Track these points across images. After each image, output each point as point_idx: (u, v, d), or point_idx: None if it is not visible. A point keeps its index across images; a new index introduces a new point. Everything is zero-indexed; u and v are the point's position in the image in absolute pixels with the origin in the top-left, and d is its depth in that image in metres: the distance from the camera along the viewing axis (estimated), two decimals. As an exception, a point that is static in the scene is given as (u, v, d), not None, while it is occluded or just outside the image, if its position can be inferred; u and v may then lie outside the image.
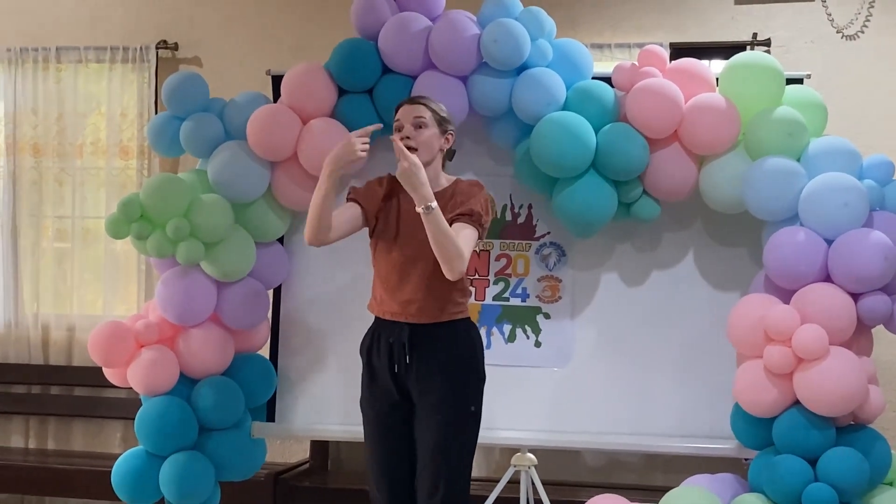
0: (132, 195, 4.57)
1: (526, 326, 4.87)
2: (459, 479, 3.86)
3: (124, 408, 5.96)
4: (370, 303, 4.00)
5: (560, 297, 4.85)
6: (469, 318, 3.97)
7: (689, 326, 4.75)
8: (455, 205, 3.84)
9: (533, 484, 4.77)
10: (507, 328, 4.87)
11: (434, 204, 3.64)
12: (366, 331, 4.00)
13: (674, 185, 4.53)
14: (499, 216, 4.88)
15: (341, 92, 4.69)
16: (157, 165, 6.21)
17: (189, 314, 4.67)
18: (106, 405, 6.24)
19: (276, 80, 4.86)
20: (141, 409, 4.68)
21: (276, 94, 4.85)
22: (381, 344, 3.91)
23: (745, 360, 4.24)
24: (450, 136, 3.94)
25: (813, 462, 4.06)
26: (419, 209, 3.65)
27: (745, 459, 4.52)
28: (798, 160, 4.35)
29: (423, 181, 3.66)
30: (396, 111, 3.93)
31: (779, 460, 4.09)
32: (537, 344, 4.85)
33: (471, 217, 3.80)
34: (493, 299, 4.87)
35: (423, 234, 3.71)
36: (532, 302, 4.86)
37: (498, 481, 4.82)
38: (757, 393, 4.14)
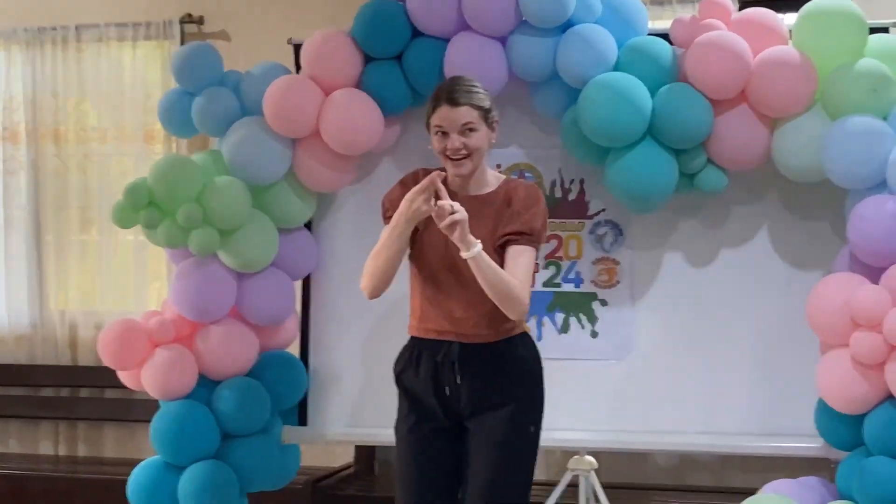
0: (139, 180, 4.42)
1: (581, 315, 4.68)
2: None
3: (157, 411, 5.82)
4: (410, 323, 3.75)
5: (618, 282, 4.66)
6: (527, 332, 3.75)
7: (764, 311, 4.56)
8: (511, 217, 3.59)
9: (594, 490, 4.59)
10: (559, 317, 4.69)
11: (479, 247, 3.43)
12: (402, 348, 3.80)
13: (742, 151, 4.32)
14: (547, 193, 4.68)
15: (367, 59, 4.53)
16: (184, 149, 6.10)
17: (206, 309, 4.54)
18: (139, 408, 6.08)
19: (298, 49, 4.70)
20: (156, 414, 4.57)
21: (298, 64, 4.69)
22: (421, 364, 3.66)
23: (830, 348, 4.05)
24: (495, 125, 3.67)
25: (910, 464, 3.88)
26: (465, 255, 3.43)
27: (834, 461, 4.31)
28: (885, 119, 4.12)
29: (467, 229, 3.42)
30: (432, 108, 3.59)
31: (871, 463, 3.90)
32: (594, 334, 4.67)
33: (530, 237, 3.59)
34: (544, 286, 4.68)
35: (479, 239, 3.51)
36: (587, 287, 4.68)
37: (555, 485, 4.65)
38: (844, 386, 3.95)
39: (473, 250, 3.41)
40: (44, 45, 6.33)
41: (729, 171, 4.39)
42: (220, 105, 4.54)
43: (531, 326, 4.56)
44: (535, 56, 4.35)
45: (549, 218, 4.49)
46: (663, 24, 4.59)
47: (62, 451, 6.42)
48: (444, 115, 3.56)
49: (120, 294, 6.38)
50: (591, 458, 4.60)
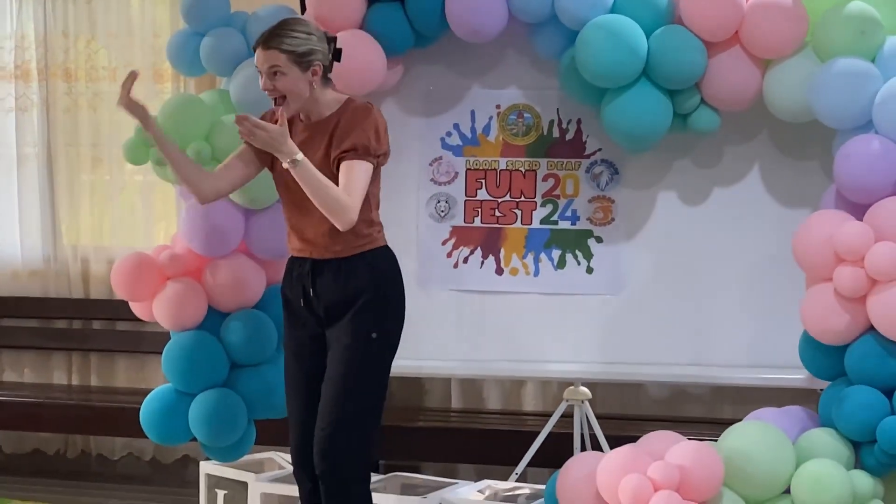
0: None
1: (577, 251, 4.73)
2: (356, 414, 3.77)
3: (167, 342, 5.88)
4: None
5: (613, 219, 4.70)
6: (383, 246, 3.85)
7: (755, 248, 4.60)
8: (341, 135, 3.70)
9: (587, 419, 4.70)
10: (556, 254, 4.73)
11: (300, 157, 3.56)
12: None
13: (735, 92, 4.32)
14: (545, 133, 4.73)
15: (370, 1, 4.52)
16: (193, 89, 6.08)
17: (215, 244, 4.55)
18: (149, 340, 6.16)
19: (306, -9, 4.72)
20: (168, 344, 4.60)
21: (303, 6, 4.69)
22: (292, 279, 3.90)
23: (814, 283, 4.05)
24: (317, 67, 3.72)
25: (889, 393, 3.87)
26: (285, 165, 3.57)
27: (821, 390, 4.33)
28: (872, 61, 4.12)
29: (276, 134, 3.55)
30: (253, 50, 3.77)
31: (851, 392, 3.91)
32: (589, 270, 4.72)
33: (357, 152, 3.66)
34: (541, 223, 4.73)
35: (315, 161, 3.66)
36: (583, 225, 4.72)
37: (551, 415, 4.76)
38: (826, 319, 3.95)
39: (292, 160, 3.53)
40: (54, -14, 6.30)
41: (721, 111, 4.39)
42: (228, 45, 4.52)
43: (528, 262, 4.70)
44: (533, -2, 4.36)
45: (547, 157, 4.67)
46: None
47: (75, 381, 6.44)
48: (257, 56, 3.73)
49: (129, 230, 6.39)
50: (585, 389, 4.68)
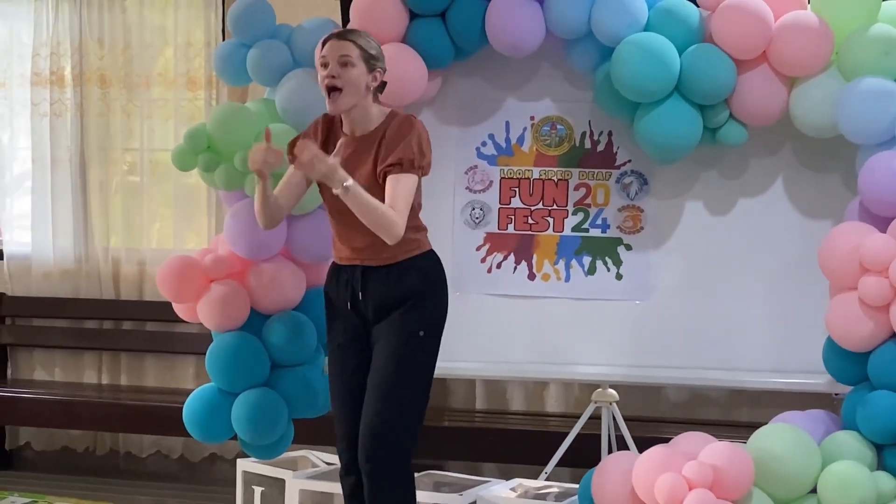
0: (199, 125, 4.55)
1: (606, 258, 4.79)
2: (402, 409, 3.83)
3: (197, 343, 5.88)
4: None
5: (642, 228, 4.77)
6: (429, 250, 3.93)
7: (778, 257, 4.65)
8: (386, 149, 3.77)
9: (615, 420, 4.74)
10: (586, 260, 4.80)
11: (349, 183, 3.62)
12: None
13: (762, 108, 4.40)
14: (577, 144, 4.79)
15: (412, 16, 4.59)
16: (225, 96, 6.18)
17: (259, 248, 4.62)
18: (178, 340, 6.27)
19: (346, 5, 4.77)
20: (211, 345, 4.65)
21: (346, 20, 4.77)
22: (340, 283, 3.94)
23: (839, 291, 4.11)
24: (378, 74, 3.83)
25: (911, 398, 3.95)
26: (336, 191, 3.63)
27: (836, 395, 4.44)
28: (895, 80, 4.20)
29: (330, 167, 3.61)
30: (322, 46, 3.83)
31: (874, 396, 3.97)
32: (618, 276, 4.78)
33: (401, 166, 3.74)
34: (572, 230, 4.80)
35: (362, 177, 3.74)
36: (613, 233, 4.78)
37: (578, 417, 4.81)
38: (851, 326, 4.02)
39: (344, 187, 3.60)
40: (90, -5, 6.31)
41: (749, 126, 4.45)
42: (274, 56, 4.59)
43: (560, 268, 4.76)
44: (571, 14, 4.39)
45: (579, 167, 4.71)
46: None
47: (105, 380, 6.46)
48: (329, 46, 3.79)
49: (160, 233, 6.44)
50: (612, 391, 4.71)
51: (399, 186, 3.73)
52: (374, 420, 3.79)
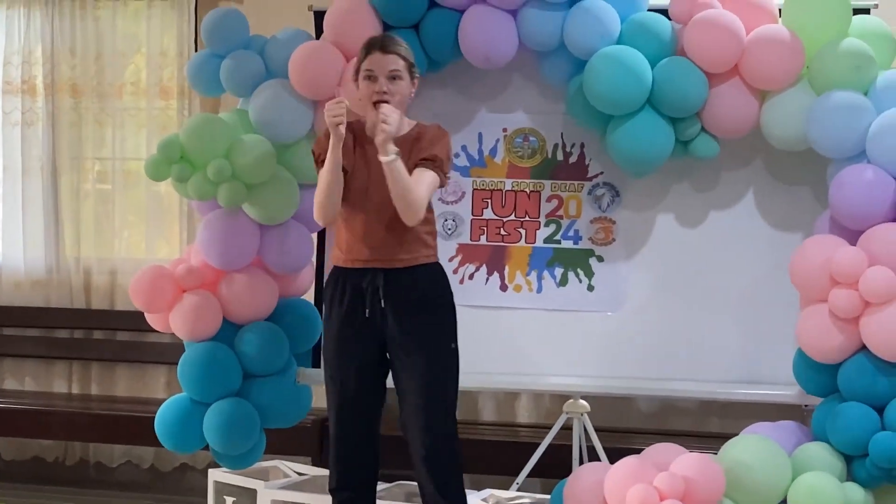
0: (172, 136, 4.52)
1: (578, 270, 4.79)
2: (450, 416, 3.91)
3: (168, 353, 5.92)
4: (334, 254, 3.97)
5: (614, 240, 4.76)
6: (438, 262, 3.98)
7: (748, 269, 4.66)
8: (420, 149, 3.84)
9: (586, 431, 4.73)
10: (558, 271, 4.79)
11: (394, 156, 3.67)
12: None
13: (734, 121, 4.41)
14: (550, 156, 4.80)
15: (386, 27, 4.57)
16: (197, 106, 6.15)
17: (232, 258, 4.61)
18: (149, 350, 6.25)
19: (319, 16, 4.76)
20: (183, 355, 4.64)
21: (319, 31, 4.75)
22: (347, 291, 3.88)
23: (809, 303, 4.13)
24: (416, 81, 3.90)
25: (880, 410, 3.95)
26: (385, 159, 3.66)
27: (806, 406, 4.45)
28: (865, 94, 4.22)
29: (389, 133, 3.67)
30: (365, 55, 3.84)
31: (844, 408, 3.99)
32: (590, 288, 4.78)
33: (433, 163, 3.82)
34: (545, 242, 4.79)
35: None
36: (584, 244, 4.78)
37: (549, 428, 4.80)
38: (821, 338, 4.03)
39: (390, 157, 3.65)
40: (62, 4, 6.25)
41: (720, 138, 4.45)
42: (247, 67, 4.58)
43: (532, 279, 4.75)
44: (544, 28, 4.40)
45: (551, 179, 4.74)
46: (663, 1, 4.57)
47: (75, 390, 6.40)
48: (375, 59, 3.79)
49: (131, 242, 6.40)
50: (584, 402, 4.70)
51: (426, 176, 3.79)
52: (433, 457, 3.84)
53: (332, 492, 4.01)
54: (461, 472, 3.94)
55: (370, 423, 3.99)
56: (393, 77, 3.79)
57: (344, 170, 3.80)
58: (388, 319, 3.84)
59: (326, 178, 3.77)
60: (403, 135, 3.85)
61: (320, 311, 4.85)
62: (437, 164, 3.82)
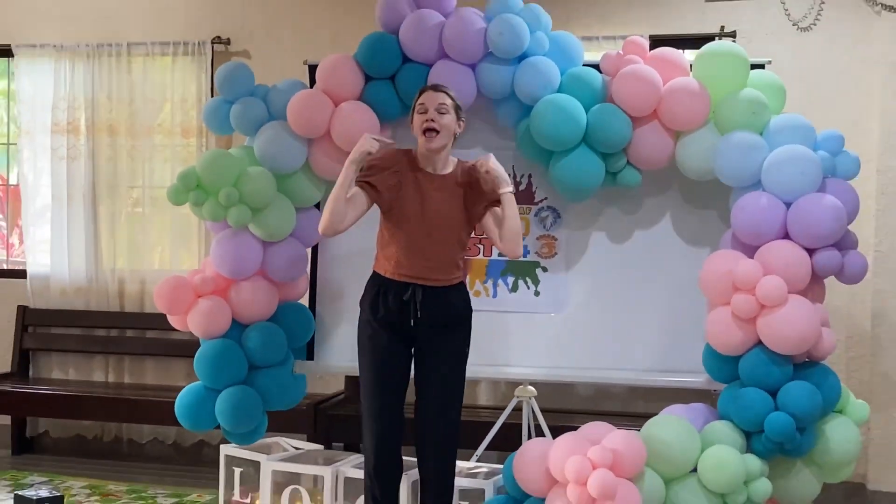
0: (189, 168, 4.49)
1: (527, 278, 4.77)
2: (459, 410, 3.91)
3: (188, 348, 5.73)
4: (379, 264, 3.88)
5: (556, 253, 4.75)
6: (464, 281, 3.95)
7: (666, 278, 4.65)
8: (472, 185, 3.80)
9: (533, 412, 4.73)
10: (510, 280, 4.77)
11: (511, 187, 3.72)
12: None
13: (653, 156, 4.41)
14: None
15: (368, 78, 4.57)
16: (213, 143, 6.13)
17: (239, 269, 4.58)
18: (173, 345, 6.22)
19: (312, 69, 4.75)
20: (198, 350, 4.60)
21: (312, 81, 4.73)
22: (390, 299, 3.80)
23: (716, 306, 4.14)
24: (462, 123, 3.86)
25: (773, 394, 3.97)
26: (505, 192, 3.68)
27: (714, 391, 4.44)
28: (761, 134, 4.24)
29: (502, 169, 3.70)
30: (419, 95, 3.82)
31: (744, 392, 4.00)
32: (537, 293, 4.76)
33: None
34: (499, 255, 4.76)
35: (445, 208, 3.74)
36: (532, 257, 4.76)
37: (504, 409, 4.77)
38: (725, 335, 4.05)
39: (509, 189, 3.66)
40: (101, 58, 6.27)
41: (642, 170, 4.45)
42: (252, 111, 4.56)
43: (489, 286, 4.71)
44: (497, 79, 4.40)
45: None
46: (594, 56, 4.65)
47: (111, 379, 6.39)
48: (427, 96, 3.78)
49: (158, 256, 6.38)
50: (532, 388, 4.69)
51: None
52: (443, 438, 3.83)
53: (374, 477, 3.87)
54: (456, 452, 3.93)
55: (401, 409, 3.88)
56: (441, 111, 3.75)
57: (388, 194, 3.75)
58: (420, 328, 3.80)
59: (335, 191, 3.72)
60: (448, 173, 3.83)
61: (314, 314, 4.87)
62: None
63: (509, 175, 4.67)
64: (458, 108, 3.82)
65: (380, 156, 3.82)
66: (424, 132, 3.74)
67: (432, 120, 3.73)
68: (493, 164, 3.74)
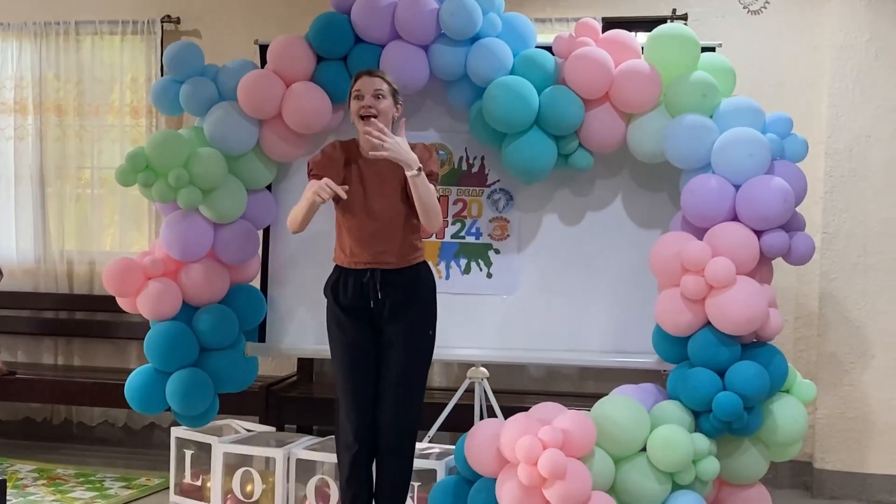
0: (138, 149, 4.44)
1: (479, 260, 4.78)
2: (420, 386, 3.90)
3: (139, 330, 5.71)
4: (337, 256, 3.90)
5: (508, 235, 4.76)
6: (426, 261, 3.93)
7: (618, 259, 4.68)
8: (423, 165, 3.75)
9: (486, 393, 4.74)
10: (463, 262, 4.78)
11: (417, 169, 3.61)
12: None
13: (605, 139, 4.42)
14: (456, 167, 4.77)
15: (319, 59, 4.53)
16: (163, 123, 6.02)
17: (189, 251, 4.55)
18: (123, 328, 6.11)
19: (263, 49, 4.71)
20: (149, 332, 4.57)
21: (263, 61, 4.69)
22: (350, 286, 3.81)
23: (665, 287, 4.16)
24: (400, 107, 3.85)
25: (721, 374, 4.00)
26: (411, 173, 3.60)
27: (665, 371, 4.46)
28: (711, 117, 4.27)
29: (407, 149, 3.59)
30: (355, 81, 3.81)
31: (692, 372, 4.03)
32: (489, 275, 4.77)
33: (432, 177, 3.76)
34: (451, 237, 4.78)
35: (389, 192, 3.72)
36: (484, 239, 4.77)
37: (456, 391, 4.78)
38: (674, 316, 4.07)
39: (418, 168, 3.60)
40: (48, 37, 6.14)
41: (594, 153, 4.47)
42: (202, 91, 4.52)
43: (441, 269, 4.72)
44: (450, 61, 4.40)
45: (457, 185, 4.71)
46: (547, 38, 4.63)
47: (60, 361, 6.30)
48: (362, 82, 3.77)
49: (107, 237, 6.28)
50: (484, 369, 4.71)
51: (434, 191, 3.74)
52: (399, 418, 3.81)
53: (345, 447, 3.86)
54: (416, 433, 3.92)
55: (372, 385, 3.86)
56: (377, 96, 3.74)
57: (337, 199, 3.73)
58: (384, 309, 3.80)
59: (301, 213, 3.71)
60: None
61: (265, 296, 4.85)
62: (434, 177, 3.78)
63: (462, 158, 4.75)
64: (395, 92, 3.81)
65: (326, 152, 3.85)
66: (362, 118, 3.73)
67: (369, 106, 3.73)
68: (391, 147, 3.61)
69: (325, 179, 3.67)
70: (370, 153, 3.67)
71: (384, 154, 3.60)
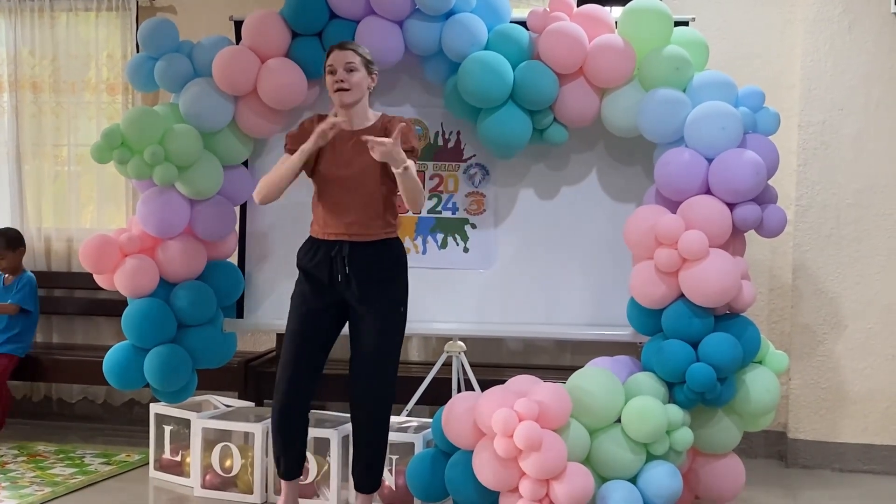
0: (114, 125, 4.42)
1: (456, 235, 4.79)
2: (393, 364, 3.90)
3: (118, 307, 5.64)
4: (312, 228, 3.90)
5: (485, 210, 4.77)
6: (398, 237, 3.92)
7: (593, 233, 4.70)
8: (402, 141, 3.73)
9: (463, 366, 4.76)
10: (440, 237, 4.79)
11: (410, 163, 3.62)
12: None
13: (580, 113, 4.43)
14: (432, 142, 4.78)
15: (294, 35, 4.52)
16: (139, 100, 5.97)
17: (166, 227, 4.54)
18: (101, 305, 6.07)
19: (238, 25, 4.69)
20: (126, 309, 4.56)
21: (238, 37, 4.67)
22: (319, 256, 3.82)
23: (640, 260, 4.18)
24: (374, 77, 3.84)
25: (695, 345, 4.03)
26: (398, 171, 3.60)
27: (640, 343, 4.50)
28: (684, 91, 4.28)
29: (398, 150, 3.59)
30: (328, 55, 3.80)
31: (666, 344, 4.06)
32: (466, 250, 4.78)
33: (412, 153, 3.75)
34: (428, 212, 4.79)
35: (360, 165, 3.72)
36: (461, 214, 4.78)
37: (433, 365, 4.80)
38: (649, 288, 4.10)
39: (406, 167, 3.60)
40: (23, 13, 6.06)
41: (569, 127, 4.48)
42: (177, 68, 4.50)
43: (418, 243, 4.74)
44: (425, 36, 4.39)
45: (434, 160, 4.69)
46: (521, 13, 4.63)
47: (40, 339, 6.23)
48: (334, 56, 3.76)
49: (84, 214, 6.24)
50: (461, 343, 4.74)
51: (414, 169, 3.71)
52: (376, 387, 3.83)
53: (283, 415, 3.90)
54: (390, 407, 3.94)
55: (317, 360, 3.90)
56: (350, 69, 3.73)
57: (314, 158, 3.74)
58: (351, 283, 3.80)
59: (290, 166, 3.71)
60: (371, 125, 3.80)
61: (243, 272, 4.85)
62: (415, 154, 3.76)
63: (437, 132, 4.76)
64: (368, 63, 3.81)
65: (304, 126, 3.85)
66: (336, 91, 3.74)
67: (342, 80, 3.73)
68: (382, 151, 3.59)
69: (330, 118, 3.71)
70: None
71: (375, 155, 3.61)
